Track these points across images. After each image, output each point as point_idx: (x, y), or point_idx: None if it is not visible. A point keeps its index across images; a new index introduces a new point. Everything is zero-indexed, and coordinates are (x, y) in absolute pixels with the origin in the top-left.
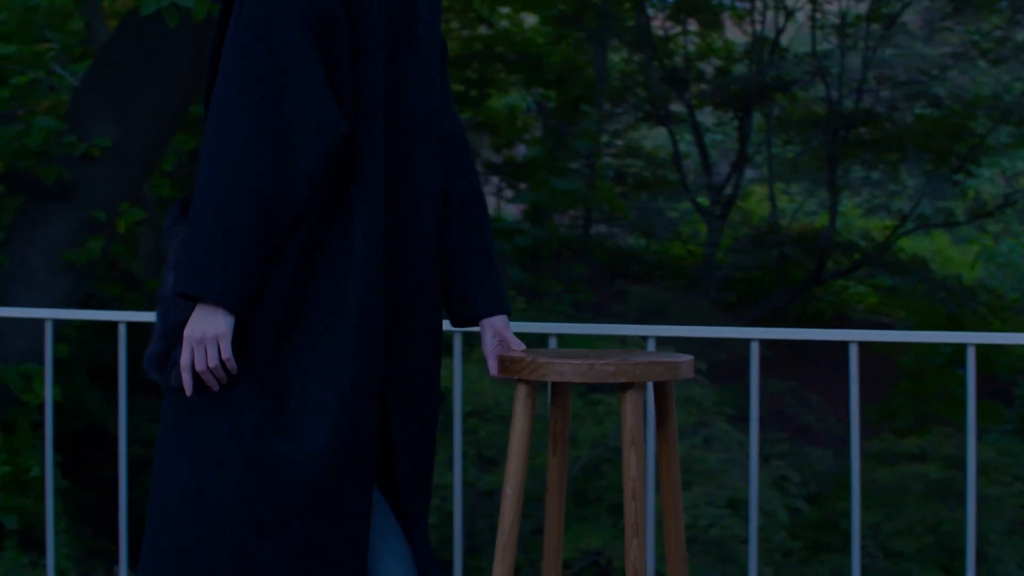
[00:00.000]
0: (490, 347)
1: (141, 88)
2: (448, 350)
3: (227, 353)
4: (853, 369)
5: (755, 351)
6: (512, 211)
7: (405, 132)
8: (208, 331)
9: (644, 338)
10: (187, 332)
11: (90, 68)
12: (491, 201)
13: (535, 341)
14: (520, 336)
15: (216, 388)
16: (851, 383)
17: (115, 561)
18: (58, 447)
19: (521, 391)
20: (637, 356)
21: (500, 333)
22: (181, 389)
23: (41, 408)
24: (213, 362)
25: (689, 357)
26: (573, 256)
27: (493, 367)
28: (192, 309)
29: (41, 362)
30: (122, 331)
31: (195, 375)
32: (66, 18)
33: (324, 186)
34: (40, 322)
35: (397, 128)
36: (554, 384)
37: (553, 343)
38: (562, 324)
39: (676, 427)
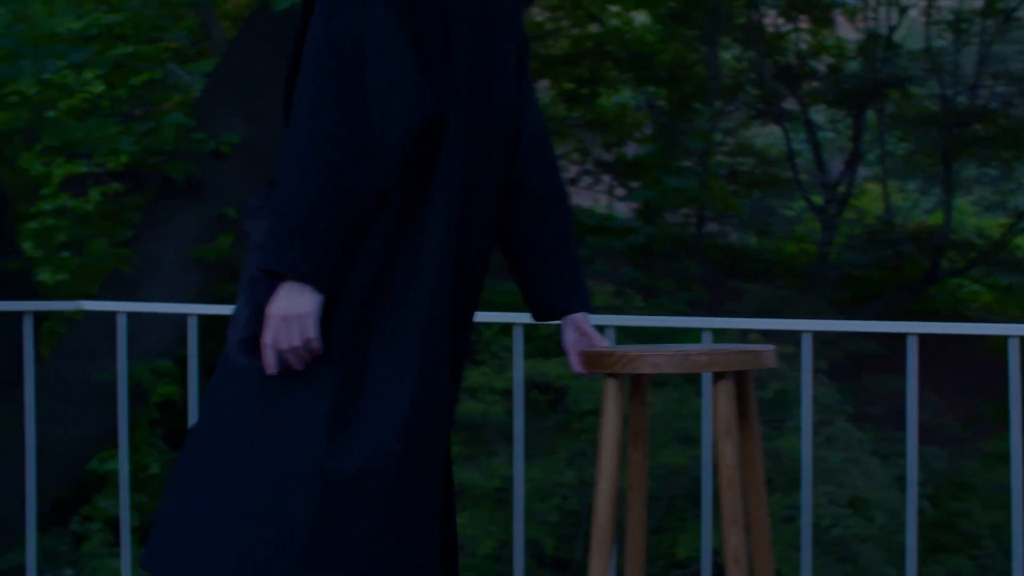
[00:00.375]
0: (571, 342)
1: (269, 84)
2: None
3: (313, 332)
4: (911, 361)
5: (807, 345)
6: (623, 209)
7: (485, 118)
8: (294, 309)
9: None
10: (272, 309)
11: (218, 65)
12: (602, 199)
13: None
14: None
15: (300, 368)
16: (908, 376)
17: None
18: (173, 445)
19: (611, 386)
20: (724, 346)
21: (581, 328)
22: (262, 369)
23: (159, 405)
24: (298, 341)
25: (773, 347)
26: (686, 254)
27: (575, 363)
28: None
29: (171, 358)
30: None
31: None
32: (179, 19)
33: (410, 165)
34: (179, 317)
35: (479, 113)
36: (633, 378)
37: (611, 335)
38: (620, 316)
39: (758, 417)
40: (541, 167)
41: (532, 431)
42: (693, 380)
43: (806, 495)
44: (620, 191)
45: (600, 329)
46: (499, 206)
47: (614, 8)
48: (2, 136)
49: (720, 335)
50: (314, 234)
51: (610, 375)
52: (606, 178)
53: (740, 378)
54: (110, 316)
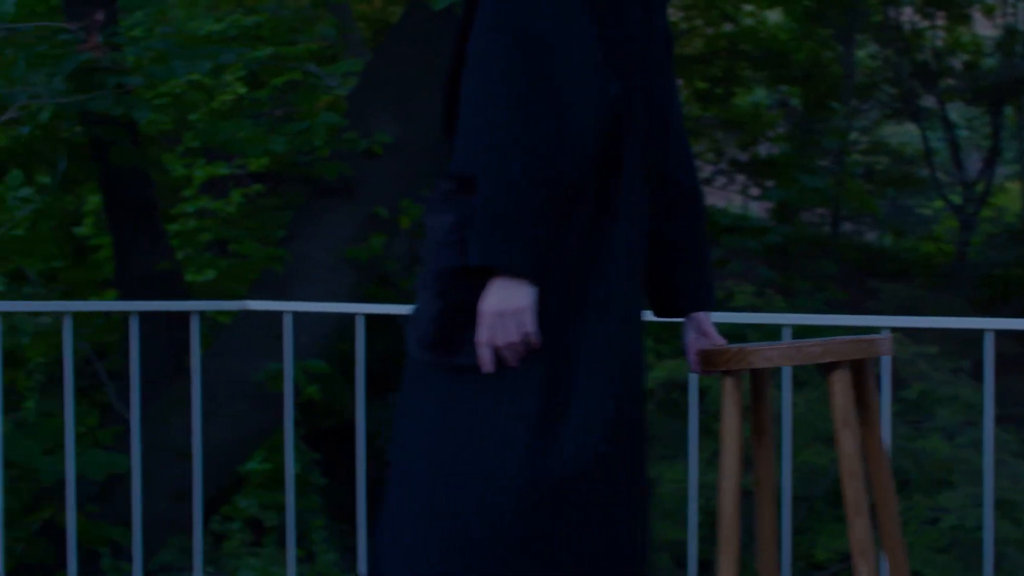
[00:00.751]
0: (692, 341)
1: (421, 84)
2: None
3: (531, 327)
4: (988, 357)
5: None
6: (756, 209)
7: (652, 107)
8: (510, 304)
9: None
10: (485, 307)
11: (368, 65)
12: (736, 199)
13: (769, 333)
14: (754, 326)
15: (515, 364)
16: (985, 371)
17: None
18: (316, 445)
19: (728, 384)
20: (838, 337)
21: (703, 328)
22: (469, 368)
23: (301, 406)
24: (516, 336)
25: (889, 335)
26: (821, 254)
27: (695, 363)
28: (482, 285)
29: (321, 358)
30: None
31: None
32: (314, 21)
33: (602, 153)
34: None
35: (648, 101)
36: (754, 375)
37: (787, 335)
38: (798, 315)
39: (878, 407)
40: (684, 161)
41: (672, 432)
42: None
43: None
44: (754, 191)
45: (777, 329)
46: (649, 190)
47: (748, 7)
48: (151, 138)
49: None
50: (526, 226)
51: (726, 372)
52: (740, 177)
53: (858, 368)
54: (262, 316)
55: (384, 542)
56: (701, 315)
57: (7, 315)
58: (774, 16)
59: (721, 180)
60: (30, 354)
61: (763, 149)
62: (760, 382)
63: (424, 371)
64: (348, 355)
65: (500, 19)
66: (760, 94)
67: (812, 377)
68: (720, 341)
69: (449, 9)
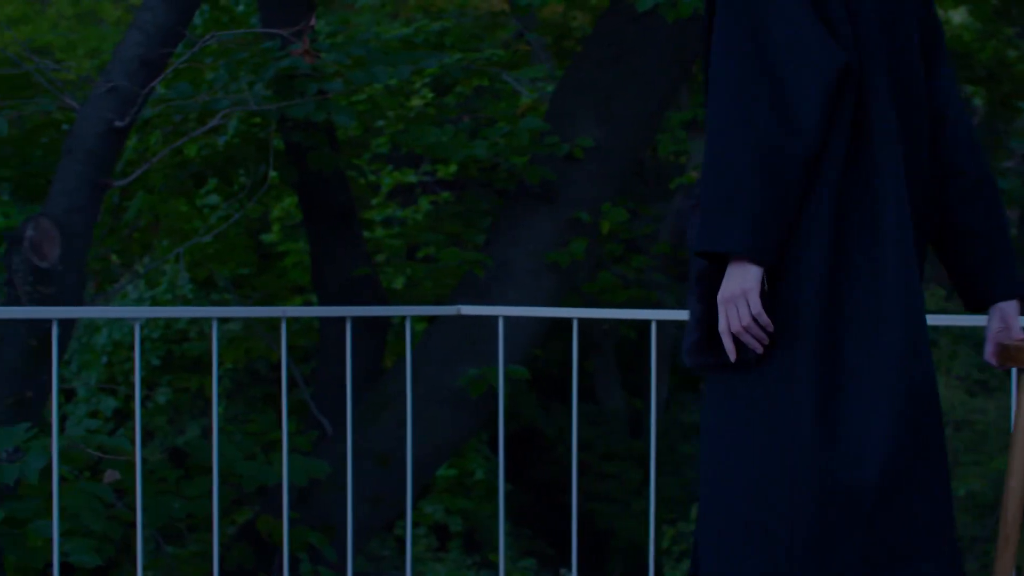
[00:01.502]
0: (993, 331)
1: (622, 87)
2: None
3: (756, 307)
4: None
5: None
6: None
7: (905, 80)
8: (736, 288)
9: None
10: (720, 296)
11: (568, 68)
12: None
13: None
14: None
15: (758, 349)
16: None
17: (558, 564)
18: (496, 450)
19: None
20: None
21: (1007, 319)
22: (729, 364)
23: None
24: (746, 320)
25: None
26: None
27: (990, 352)
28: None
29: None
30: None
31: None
32: (497, 27)
33: (833, 123)
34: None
35: (897, 72)
36: (1021, 370)
37: None
38: None
39: None
40: (971, 149)
41: None
42: None
43: None
44: None
45: None
46: (930, 189)
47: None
48: (347, 143)
49: None
50: (746, 206)
51: (1022, 370)
52: None
53: None
54: (458, 322)
55: (700, 544)
56: (1006, 305)
57: (196, 321)
58: (958, 16)
59: None
60: (224, 359)
61: None
62: None
63: (710, 380)
64: (535, 360)
65: (724, 12)
66: None
67: (1004, 383)
68: (1020, 332)
69: (652, 11)
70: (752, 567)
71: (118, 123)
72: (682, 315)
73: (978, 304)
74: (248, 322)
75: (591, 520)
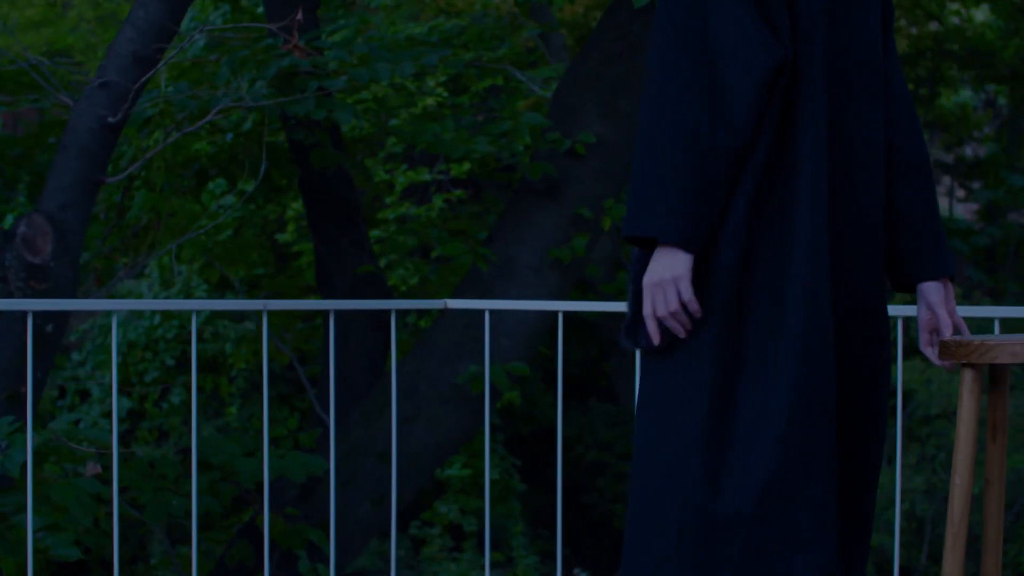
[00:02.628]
0: (923, 319)
1: (625, 82)
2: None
3: (687, 294)
4: None
5: None
6: (962, 212)
7: (846, 76)
8: (665, 273)
9: None
10: (645, 279)
11: (572, 64)
12: (943, 201)
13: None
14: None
15: (682, 335)
16: None
17: (572, 563)
18: (514, 450)
19: (967, 377)
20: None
21: (931, 302)
22: (654, 348)
23: (500, 411)
24: (673, 306)
25: None
26: None
27: (924, 341)
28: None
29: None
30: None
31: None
32: (517, 28)
33: (764, 118)
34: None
35: (838, 70)
36: (992, 368)
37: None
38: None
39: None
40: (908, 128)
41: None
42: None
43: None
44: (960, 192)
45: (989, 322)
46: (879, 167)
47: (953, 5)
48: (353, 142)
49: None
50: (674, 193)
51: (966, 365)
52: (946, 179)
53: None
54: (463, 319)
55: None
56: (931, 287)
57: (210, 321)
58: (980, 15)
59: None
60: (233, 360)
61: (969, 150)
62: (999, 377)
63: (643, 368)
64: (549, 360)
65: (661, 6)
66: (965, 94)
67: (1020, 380)
68: (944, 324)
69: (651, 6)
70: (646, 561)
71: (111, 119)
72: None
73: (902, 283)
74: (259, 322)
75: (609, 521)
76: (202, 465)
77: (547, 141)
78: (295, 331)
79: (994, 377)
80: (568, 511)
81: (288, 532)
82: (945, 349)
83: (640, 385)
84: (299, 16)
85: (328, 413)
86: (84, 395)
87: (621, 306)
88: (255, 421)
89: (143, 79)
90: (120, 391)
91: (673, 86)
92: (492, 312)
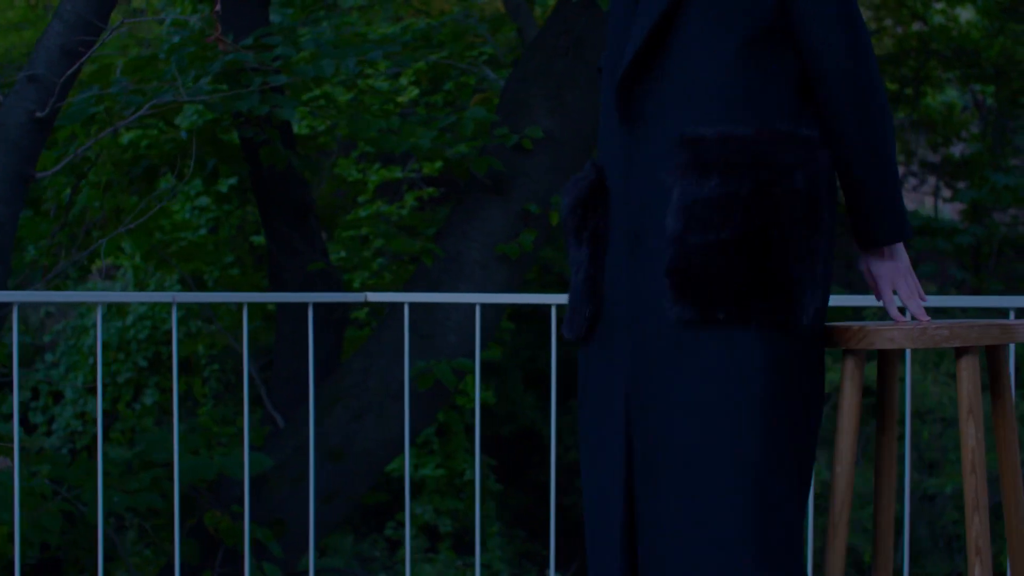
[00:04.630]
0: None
1: (573, 77)
2: None
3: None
4: None
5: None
6: (948, 211)
7: None
8: (907, 263)
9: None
10: (896, 270)
11: (520, 59)
12: (928, 201)
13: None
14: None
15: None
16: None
17: (547, 564)
18: (492, 451)
19: (849, 364)
20: (971, 321)
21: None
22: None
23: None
24: (918, 289)
25: None
26: (1015, 255)
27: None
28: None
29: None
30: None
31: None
32: (498, 28)
33: None
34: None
35: None
36: (881, 355)
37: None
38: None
39: (1012, 397)
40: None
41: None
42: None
43: None
44: (946, 192)
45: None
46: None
47: (938, 5)
48: (306, 140)
49: None
50: (900, 192)
51: (847, 351)
52: (931, 179)
53: (993, 354)
54: (414, 315)
55: None
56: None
57: (184, 322)
58: (966, 14)
59: (912, 182)
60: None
61: (955, 150)
62: (888, 364)
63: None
64: (530, 360)
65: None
66: (951, 93)
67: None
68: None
69: (592, 2)
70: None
71: (39, 113)
72: None
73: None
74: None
75: None
76: (145, 463)
77: (495, 136)
78: (251, 326)
79: (883, 364)
80: (547, 511)
81: (233, 530)
82: (828, 335)
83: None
84: (218, 7)
85: (278, 410)
86: (57, 396)
87: (543, 298)
88: (205, 419)
89: (68, 72)
90: (92, 392)
91: (883, 98)
92: (439, 309)
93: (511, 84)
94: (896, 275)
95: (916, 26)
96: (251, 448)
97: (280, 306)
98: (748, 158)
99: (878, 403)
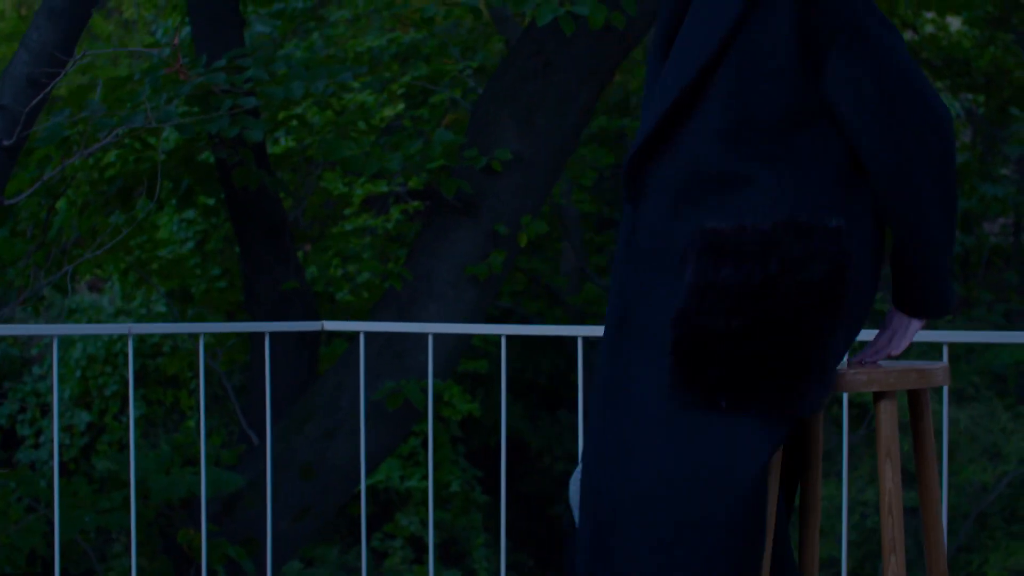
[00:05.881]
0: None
1: (541, 99)
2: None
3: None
4: None
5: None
6: None
7: None
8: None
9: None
10: (912, 331)
11: (490, 81)
12: None
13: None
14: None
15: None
16: None
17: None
18: (478, 462)
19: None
20: (892, 364)
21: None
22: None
23: (461, 423)
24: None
25: (943, 364)
26: (1004, 264)
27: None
28: None
29: (446, 377)
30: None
31: None
32: (487, 39)
33: None
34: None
35: None
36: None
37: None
38: (957, 332)
39: (933, 439)
40: None
41: (833, 447)
42: (1005, 394)
43: None
44: None
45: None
46: None
47: (929, 14)
48: (291, 153)
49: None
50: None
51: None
52: None
53: (914, 397)
54: (385, 335)
55: None
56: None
57: (170, 335)
58: (956, 23)
59: None
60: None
61: None
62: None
63: None
64: (518, 372)
65: (890, 54)
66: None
67: (981, 393)
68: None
69: (554, 23)
70: None
71: (6, 142)
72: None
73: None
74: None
75: None
76: (116, 482)
77: (464, 158)
78: (227, 347)
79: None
80: (537, 522)
81: (208, 548)
82: None
83: None
84: (176, 40)
85: (253, 428)
86: (45, 409)
87: (498, 328)
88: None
89: (34, 102)
90: (80, 405)
91: (938, 170)
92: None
93: (481, 105)
94: (911, 333)
95: (907, 35)
96: (224, 466)
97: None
98: (760, 248)
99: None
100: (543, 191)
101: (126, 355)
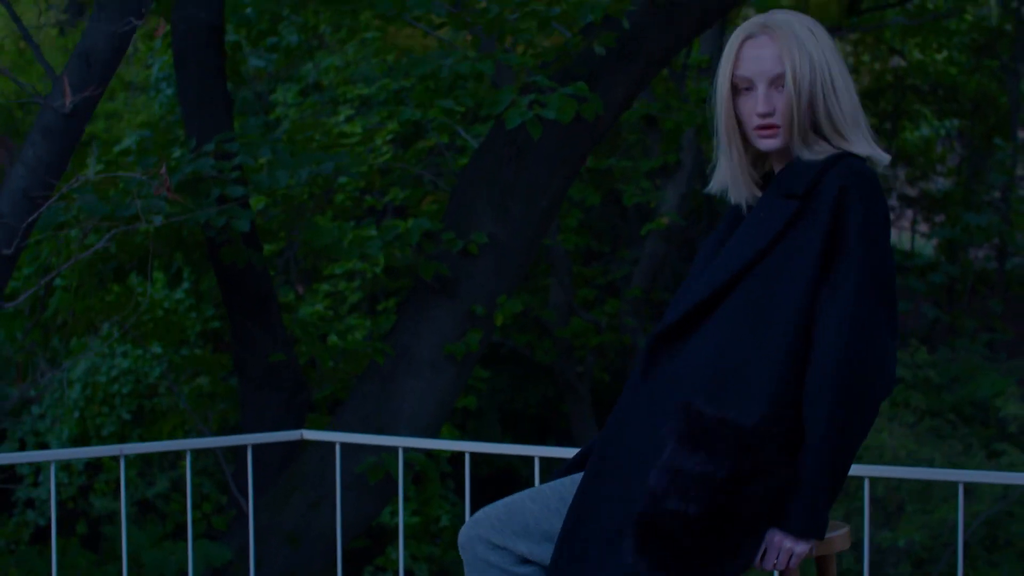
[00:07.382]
0: None
1: (514, 185)
2: None
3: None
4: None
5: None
6: (925, 244)
7: None
8: (805, 551)
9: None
10: (790, 546)
11: (467, 165)
12: (906, 236)
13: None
14: None
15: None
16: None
17: None
18: (463, 496)
19: None
20: None
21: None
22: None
23: (451, 459)
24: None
25: (844, 530)
26: (988, 292)
27: None
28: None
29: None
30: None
31: None
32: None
33: None
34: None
35: None
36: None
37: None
38: None
39: None
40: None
41: None
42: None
43: None
44: (923, 227)
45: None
46: None
47: (916, 38)
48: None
49: None
50: (835, 492)
51: None
52: (908, 212)
53: (822, 563)
54: (368, 406)
55: None
56: None
57: (166, 376)
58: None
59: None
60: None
61: (935, 184)
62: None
63: None
64: (510, 402)
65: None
66: (928, 128)
67: (957, 428)
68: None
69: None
70: None
71: (6, 251)
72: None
73: None
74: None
75: None
76: (111, 556)
77: (442, 241)
78: (217, 411)
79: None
80: None
81: None
82: None
83: None
84: (163, 170)
85: (243, 495)
86: (43, 448)
87: (463, 445)
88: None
89: (32, 217)
90: (78, 444)
91: (859, 403)
92: (392, 400)
93: (458, 189)
94: (783, 554)
95: (894, 61)
96: (215, 532)
97: (242, 396)
98: (735, 444)
99: None
100: (518, 272)
101: (123, 396)
